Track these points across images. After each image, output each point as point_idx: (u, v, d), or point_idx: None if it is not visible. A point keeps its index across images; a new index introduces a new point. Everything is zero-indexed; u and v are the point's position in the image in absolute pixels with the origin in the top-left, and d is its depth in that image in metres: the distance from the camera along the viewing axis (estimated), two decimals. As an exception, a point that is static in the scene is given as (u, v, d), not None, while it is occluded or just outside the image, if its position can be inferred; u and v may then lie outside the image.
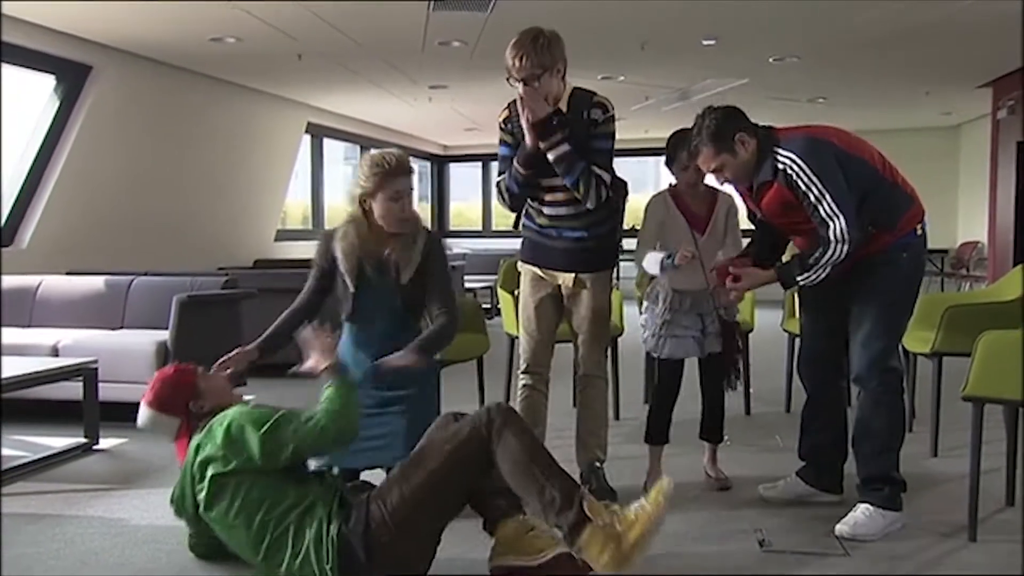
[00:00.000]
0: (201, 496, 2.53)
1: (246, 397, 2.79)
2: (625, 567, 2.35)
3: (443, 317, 3.11)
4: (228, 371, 2.89)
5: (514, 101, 3.28)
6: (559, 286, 3.43)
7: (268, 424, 2.50)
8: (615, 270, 3.55)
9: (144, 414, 2.67)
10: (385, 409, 3.06)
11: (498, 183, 3.39)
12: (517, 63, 3.10)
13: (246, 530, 2.48)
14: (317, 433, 2.53)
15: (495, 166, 3.51)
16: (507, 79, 3.17)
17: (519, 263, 3.56)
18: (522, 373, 3.48)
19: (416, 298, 3.16)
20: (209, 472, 2.50)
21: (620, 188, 3.41)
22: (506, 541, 2.61)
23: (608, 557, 2.35)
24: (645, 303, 3.61)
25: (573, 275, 3.37)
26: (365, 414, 3.07)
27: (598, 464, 3.44)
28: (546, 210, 3.35)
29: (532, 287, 3.48)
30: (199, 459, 2.55)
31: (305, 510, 2.48)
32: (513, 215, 3.50)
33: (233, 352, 2.98)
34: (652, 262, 3.41)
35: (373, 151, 3.16)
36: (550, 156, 3.17)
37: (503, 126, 3.36)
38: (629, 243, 3.54)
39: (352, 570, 2.42)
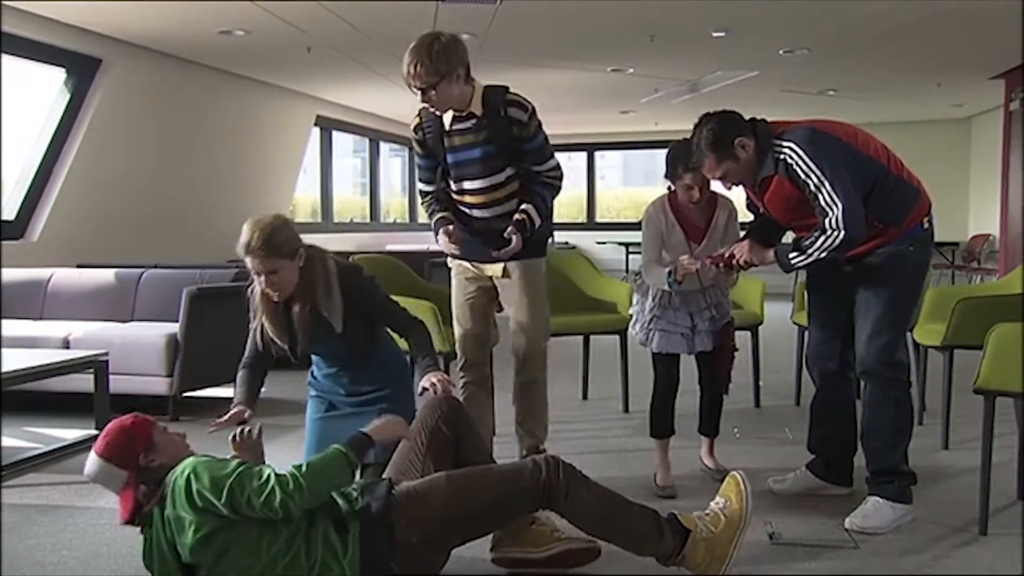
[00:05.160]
0: (198, 563, 2.38)
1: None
2: (725, 566, 2.50)
3: (411, 330, 3.06)
4: (243, 432, 2.75)
5: (424, 107, 3.22)
6: (490, 278, 3.37)
7: (224, 493, 2.32)
8: (545, 260, 3.46)
9: (92, 463, 2.47)
10: (362, 409, 3.06)
11: (423, 199, 3.41)
12: (412, 70, 3.00)
13: (255, 570, 2.37)
14: (268, 504, 2.33)
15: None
16: (407, 86, 3.07)
17: (448, 259, 3.47)
18: (460, 370, 3.41)
19: (361, 333, 3.05)
20: (191, 540, 2.34)
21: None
22: (508, 532, 2.63)
23: (709, 560, 2.49)
24: (635, 296, 3.61)
25: (501, 266, 3.30)
26: (341, 415, 3.07)
27: (541, 448, 3.43)
28: (474, 212, 3.31)
29: (462, 282, 3.42)
30: (178, 535, 2.38)
31: (308, 526, 2.40)
32: None
33: (225, 417, 2.86)
34: (658, 279, 3.38)
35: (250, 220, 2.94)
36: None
37: (414, 133, 3.31)
38: (631, 236, 3.51)
39: (373, 563, 2.40)
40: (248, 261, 2.86)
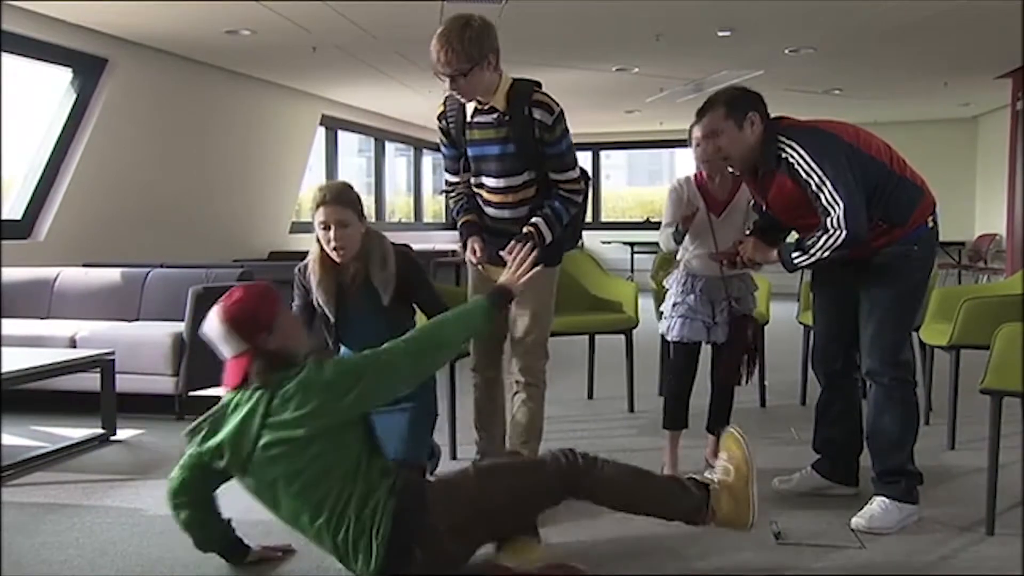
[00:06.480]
0: (269, 458, 2.46)
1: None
2: (752, 511, 2.63)
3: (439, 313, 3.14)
4: None
5: (450, 96, 3.11)
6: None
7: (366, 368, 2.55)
8: (557, 267, 3.32)
9: (215, 327, 2.55)
10: (391, 408, 3.05)
11: (448, 190, 3.35)
12: (443, 57, 2.85)
13: (311, 495, 2.45)
14: (389, 371, 2.58)
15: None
16: (434, 73, 2.95)
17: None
18: (471, 369, 3.37)
19: (399, 315, 3.12)
20: (273, 437, 2.44)
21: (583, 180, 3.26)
22: (509, 549, 2.62)
23: (735, 507, 2.61)
24: (667, 289, 3.67)
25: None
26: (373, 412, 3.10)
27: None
28: (488, 210, 3.22)
29: (475, 282, 3.33)
30: (274, 431, 2.46)
31: (367, 492, 2.46)
32: None
33: None
34: (668, 240, 3.48)
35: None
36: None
37: (439, 121, 3.21)
38: (636, 235, 3.55)
39: (399, 546, 2.43)
40: (321, 213, 2.99)
